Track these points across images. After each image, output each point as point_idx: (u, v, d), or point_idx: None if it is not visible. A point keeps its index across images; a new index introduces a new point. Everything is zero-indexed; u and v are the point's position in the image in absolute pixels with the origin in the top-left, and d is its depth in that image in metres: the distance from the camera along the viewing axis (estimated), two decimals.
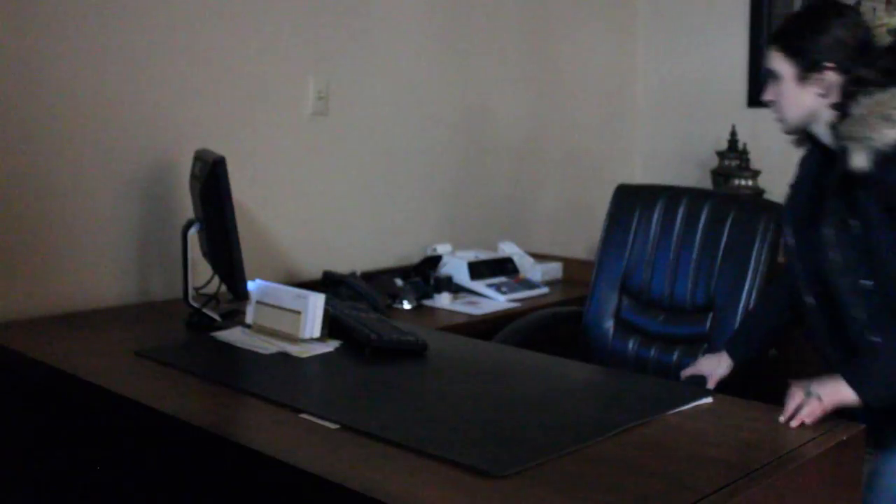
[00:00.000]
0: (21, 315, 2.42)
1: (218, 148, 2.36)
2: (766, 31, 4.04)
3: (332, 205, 3.14)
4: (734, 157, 3.97)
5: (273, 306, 2.19)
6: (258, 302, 2.23)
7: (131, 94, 2.61)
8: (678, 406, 1.75)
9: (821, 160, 1.95)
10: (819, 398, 1.69)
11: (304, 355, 2.05)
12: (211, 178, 2.19)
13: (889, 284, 1.79)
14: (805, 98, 1.89)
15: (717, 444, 1.60)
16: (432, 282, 3.02)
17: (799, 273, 1.98)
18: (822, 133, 1.91)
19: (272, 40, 2.93)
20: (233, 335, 2.21)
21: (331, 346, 2.12)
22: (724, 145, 4.03)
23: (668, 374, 2.53)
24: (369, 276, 3.03)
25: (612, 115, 4.26)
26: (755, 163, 3.98)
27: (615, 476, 1.45)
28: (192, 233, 2.36)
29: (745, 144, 3.98)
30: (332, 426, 1.63)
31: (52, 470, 2.18)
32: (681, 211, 2.68)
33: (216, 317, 2.33)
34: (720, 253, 2.58)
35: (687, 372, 2.29)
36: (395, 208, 3.34)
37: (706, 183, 4.09)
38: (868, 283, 1.82)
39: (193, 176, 2.39)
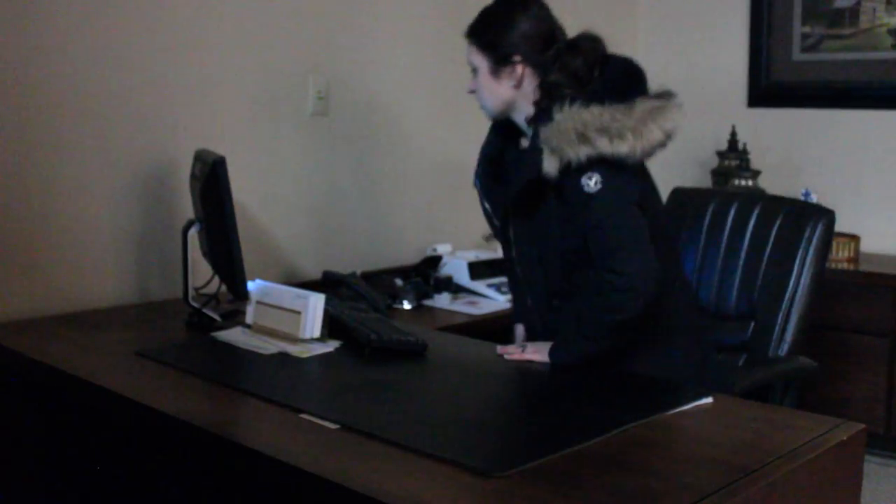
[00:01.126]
0: (21, 315, 2.42)
1: (218, 148, 2.36)
2: (767, 32, 4.05)
3: (332, 205, 3.14)
4: (734, 157, 3.97)
5: (273, 306, 2.19)
6: (258, 302, 2.23)
7: (131, 94, 2.61)
8: (678, 406, 1.75)
9: (506, 135, 2.12)
10: (523, 349, 2.01)
11: (304, 355, 2.05)
12: (211, 178, 2.19)
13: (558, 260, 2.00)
14: (500, 89, 2.01)
15: (717, 444, 1.60)
16: (432, 282, 3.01)
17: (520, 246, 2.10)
18: (519, 120, 2.04)
19: (272, 40, 2.93)
20: (233, 335, 2.21)
21: (331, 346, 2.12)
22: (724, 145, 4.04)
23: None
24: (369, 276, 3.03)
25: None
26: (755, 163, 3.98)
27: (615, 476, 1.44)
28: (192, 233, 2.36)
29: (745, 144, 3.98)
30: (332, 426, 1.63)
31: (52, 470, 2.18)
32: (731, 215, 2.56)
33: (216, 317, 2.33)
34: (765, 259, 2.47)
35: (514, 356, 2.05)
36: (395, 208, 3.34)
37: (706, 183, 4.09)
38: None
39: (193, 176, 2.39)
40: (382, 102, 3.26)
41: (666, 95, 1.95)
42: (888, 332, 3.48)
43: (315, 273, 2.98)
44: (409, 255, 3.32)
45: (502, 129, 2.14)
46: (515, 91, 2.01)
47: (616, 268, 1.87)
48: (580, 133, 1.83)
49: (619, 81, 1.95)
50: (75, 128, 2.52)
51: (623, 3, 4.30)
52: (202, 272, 2.43)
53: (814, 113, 4.01)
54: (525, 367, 2.01)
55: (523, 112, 2.02)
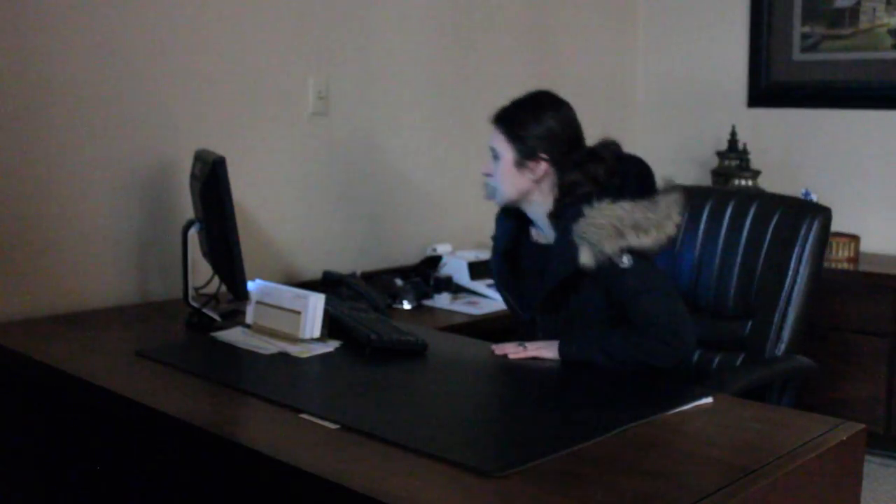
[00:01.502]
0: (21, 315, 2.42)
1: (218, 148, 2.36)
2: (767, 32, 4.05)
3: (332, 205, 3.14)
4: (734, 157, 3.97)
5: (273, 306, 2.19)
6: (258, 302, 2.23)
7: (131, 93, 2.61)
8: (678, 406, 1.75)
9: (516, 228, 2.21)
10: (525, 348, 2.06)
11: (304, 355, 2.05)
12: (211, 178, 2.19)
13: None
14: (520, 181, 2.10)
15: (717, 444, 1.60)
16: (432, 282, 3.01)
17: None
18: (531, 211, 2.14)
19: (272, 40, 2.93)
20: (233, 335, 2.21)
21: (331, 346, 2.12)
22: (724, 145, 4.04)
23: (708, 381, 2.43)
24: (369, 276, 3.03)
25: (612, 115, 4.25)
26: (755, 163, 3.98)
27: (615, 476, 1.44)
28: (192, 233, 2.36)
29: (745, 144, 3.98)
30: (332, 426, 1.63)
31: (52, 470, 2.18)
32: (728, 213, 2.54)
33: (216, 317, 2.33)
34: (762, 257, 2.45)
35: (520, 355, 2.09)
36: (395, 208, 3.34)
37: (706, 183, 4.09)
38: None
39: (193, 176, 2.39)
40: (382, 102, 3.26)
41: (675, 189, 2.09)
42: (888, 332, 3.48)
43: (315, 273, 2.98)
44: (409, 255, 3.32)
45: (512, 218, 2.22)
46: (534, 185, 2.10)
47: (664, 333, 1.98)
48: (616, 228, 1.97)
49: (638, 181, 2.10)
50: (75, 128, 2.52)
51: (623, 3, 4.30)
52: (202, 272, 2.43)
53: (814, 113, 4.01)
54: (525, 368, 2.01)
55: (536, 204, 2.13)
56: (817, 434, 1.62)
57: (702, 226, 2.58)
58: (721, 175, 3.97)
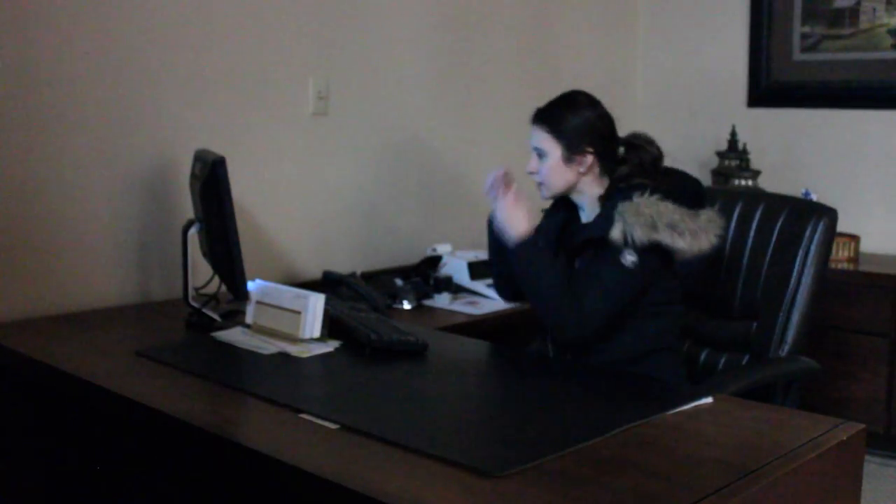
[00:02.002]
0: (21, 315, 2.42)
1: (218, 148, 2.36)
2: (767, 32, 4.05)
3: (332, 205, 3.14)
4: (734, 157, 3.97)
5: (273, 306, 2.19)
6: (258, 302, 2.23)
7: (131, 93, 2.61)
8: (678, 406, 1.75)
9: (566, 216, 2.31)
10: (514, 198, 2.17)
11: (304, 355, 2.05)
12: (211, 178, 2.19)
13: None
14: (568, 175, 2.21)
15: (717, 444, 1.60)
16: (432, 282, 3.01)
17: None
18: (578, 199, 2.26)
19: (272, 40, 2.93)
20: (233, 335, 2.21)
21: (331, 346, 2.12)
22: (724, 145, 4.04)
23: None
24: (369, 276, 3.03)
25: (612, 114, 4.25)
26: (755, 163, 3.98)
27: (615, 476, 1.45)
28: (192, 233, 2.36)
29: (745, 144, 3.98)
30: (332, 426, 1.63)
31: (52, 470, 2.18)
32: (735, 214, 2.55)
33: (216, 317, 2.33)
34: (767, 258, 2.45)
35: (507, 200, 2.22)
36: (395, 208, 3.34)
37: (706, 183, 4.09)
38: None
39: (193, 176, 2.39)
40: (382, 102, 3.26)
41: (717, 211, 2.18)
42: (888, 332, 3.48)
43: (315, 273, 2.98)
44: (409, 255, 3.32)
45: (561, 209, 2.33)
46: (581, 176, 2.21)
47: (581, 319, 2.09)
48: (653, 221, 2.07)
49: (691, 196, 2.19)
50: (75, 128, 2.52)
51: (623, 4, 4.30)
52: (202, 272, 2.43)
53: (814, 113, 4.01)
54: (524, 367, 2.01)
55: (584, 193, 2.24)
56: (817, 434, 1.62)
57: None
58: (721, 175, 3.97)
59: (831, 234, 2.42)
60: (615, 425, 1.63)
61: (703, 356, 2.55)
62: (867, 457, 1.92)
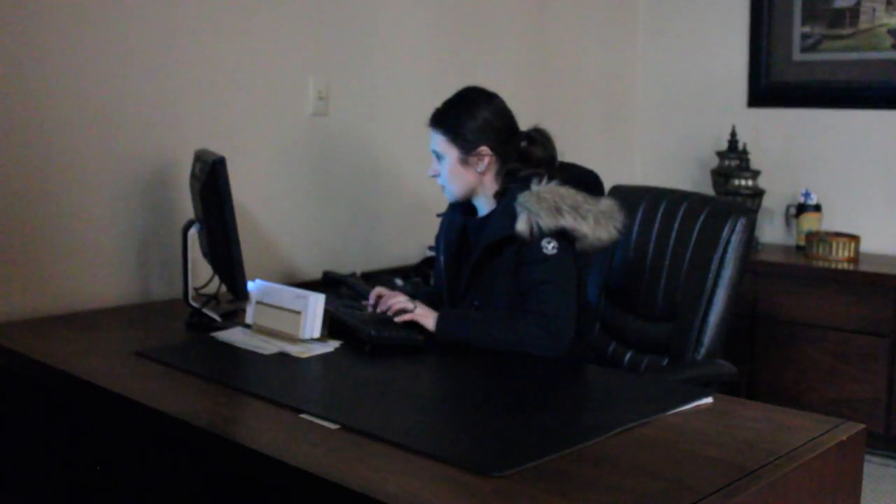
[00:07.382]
0: (21, 315, 2.42)
1: (218, 148, 2.36)
2: (767, 32, 4.06)
3: (332, 205, 3.14)
4: (734, 157, 3.97)
5: (273, 306, 2.19)
6: (258, 302, 2.23)
7: (131, 94, 2.61)
8: (678, 406, 1.75)
9: (462, 217, 2.30)
10: (416, 307, 2.13)
11: (304, 355, 2.05)
12: (211, 178, 2.19)
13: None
14: (467, 176, 2.22)
15: (717, 444, 1.60)
16: (432, 281, 3.01)
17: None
18: (480, 202, 2.25)
19: (272, 40, 2.93)
20: (233, 335, 2.21)
21: (331, 346, 2.12)
22: (724, 145, 4.04)
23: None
24: (369, 276, 3.03)
25: (612, 115, 4.26)
26: (755, 163, 3.99)
27: (615, 476, 1.45)
28: (192, 233, 2.36)
29: (745, 144, 3.98)
30: (332, 426, 1.63)
31: (52, 470, 2.18)
32: (659, 214, 2.52)
33: (216, 317, 2.33)
34: (687, 258, 2.41)
35: (405, 317, 2.16)
36: (394, 208, 3.34)
37: (706, 183, 4.10)
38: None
39: (193, 176, 2.39)
40: (382, 102, 3.26)
41: (616, 202, 2.16)
42: (888, 332, 3.48)
43: (315, 273, 2.98)
44: (409, 255, 3.32)
45: (460, 208, 2.33)
46: (480, 177, 2.21)
47: (550, 325, 2.05)
48: (556, 205, 2.06)
49: (590, 183, 2.22)
50: (76, 128, 2.52)
51: (623, 3, 4.30)
52: (202, 272, 2.43)
53: (814, 113, 4.01)
54: (525, 368, 2.01)
55: (482, 194, 2.24)
56: (817, 434, 1.62)
57: (636, 226, 2.56)
58: (721, 175, 3.98)
59: (749, 234, 2.37)
60: (615, 425, 1.62)
61: (626, 358, 2.53)
62: (867, 457, 1.92)
